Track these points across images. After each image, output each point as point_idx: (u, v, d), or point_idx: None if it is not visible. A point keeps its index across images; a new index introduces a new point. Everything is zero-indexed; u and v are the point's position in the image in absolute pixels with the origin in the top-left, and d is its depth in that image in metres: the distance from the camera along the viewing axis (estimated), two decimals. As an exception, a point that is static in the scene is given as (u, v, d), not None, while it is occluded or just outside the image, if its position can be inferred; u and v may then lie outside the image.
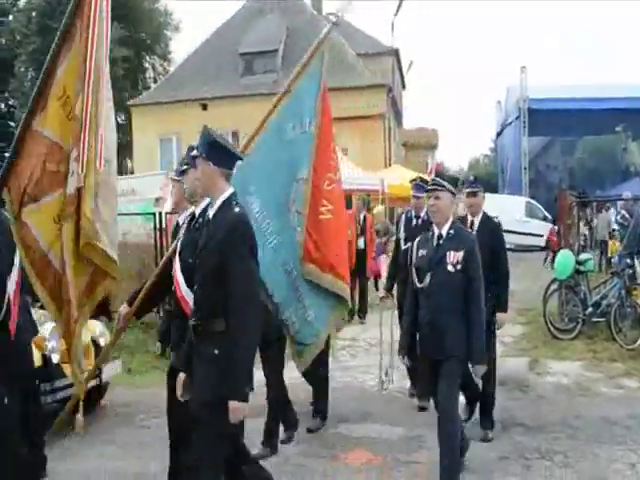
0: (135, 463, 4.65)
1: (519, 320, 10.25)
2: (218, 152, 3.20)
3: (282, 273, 4.03)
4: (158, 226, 9.15)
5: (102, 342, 5.79)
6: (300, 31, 26.79)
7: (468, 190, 5.56)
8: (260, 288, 3.56)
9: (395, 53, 30.34)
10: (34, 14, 34.82)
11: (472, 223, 5.48)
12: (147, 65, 38.83)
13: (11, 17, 38.79)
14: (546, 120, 29.98)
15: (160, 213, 9.40)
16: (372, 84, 24.56)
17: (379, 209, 12.75)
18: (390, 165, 23.07)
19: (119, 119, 36.64)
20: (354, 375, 7.47)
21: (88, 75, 3.85)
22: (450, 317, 4.26)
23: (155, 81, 35.64)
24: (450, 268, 4.27)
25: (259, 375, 4.70)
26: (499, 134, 38.76)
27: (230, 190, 3.23)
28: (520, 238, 22.64)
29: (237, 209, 3.16)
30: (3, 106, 41.13)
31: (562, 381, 7.04)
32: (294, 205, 4.01)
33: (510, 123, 33.71)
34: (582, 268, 9.22)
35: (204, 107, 25.31)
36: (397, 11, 27.44)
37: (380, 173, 17.50)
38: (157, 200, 12.64)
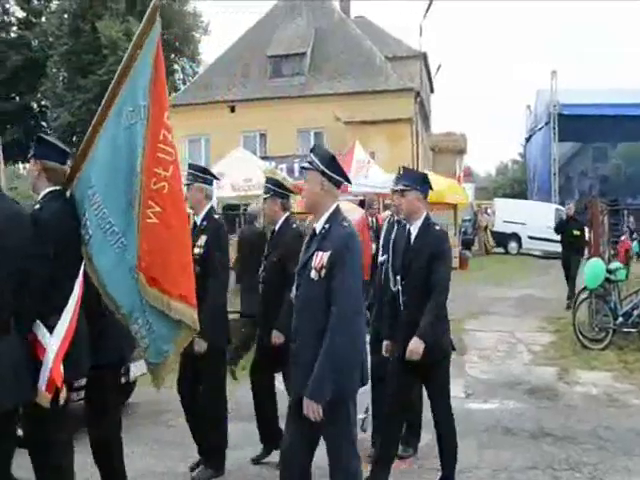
0: (163, 462, 4.68)
1: (548, 329, 10.14)
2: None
3: (130, 280, 3.36)
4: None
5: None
6: (328, 33, 26.86)
7: (393, 187, 4.46)
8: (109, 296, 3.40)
9: (423, 56, 30.21)
10: (66, 16, 35.39)
11: (409, 232, 4.35)
12: (176, 67, 39.20)
13: (44, 19, 39.46)
14: (577, 125, 29.59)
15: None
16: (400, 88, 24.50)
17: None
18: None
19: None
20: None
21: None
22: (313, 343, 3.10)
23: (184, 83, 35.97)
24: (313, 275, 3.15)
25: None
26: (528, 139, 38.38)
27: None
28: (549, 245, 22.38)
29: None
30: (35, 106, 41.84)
31: (592, 392, 6.93)
32: (136, 204, 3.36)
33: (540, 128, 33.35)
34: (613, 277, 9.08)
35: (232, 109, 25.48)
36: (425, 14, 27.32)
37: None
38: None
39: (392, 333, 4.51)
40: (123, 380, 5.41)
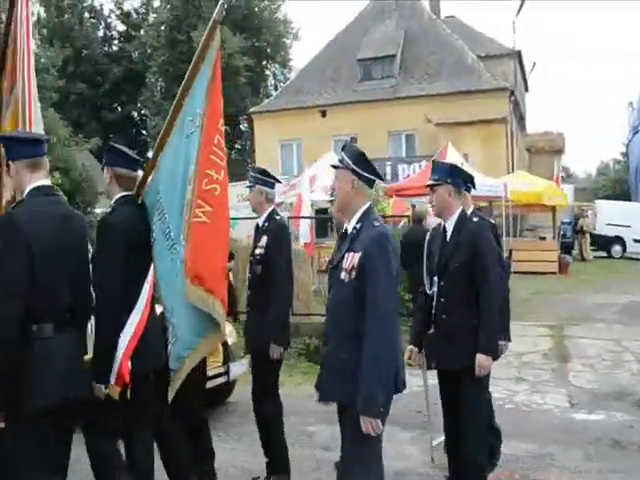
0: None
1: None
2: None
3: (176, 285, 3.43)
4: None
5: (230, 341, 5.97)
6: (418, 35, 26.62)
7: (427, 183, 4.14)
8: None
9: (517, 55, 29.36)
10: (163, 28, 36.91)
11: (444, 230, 4.08)
12: (268, 73, 40.04)
13: (142, 31, 41.32)
14: (685, 122, 27.94)
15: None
16: (493, 87, 23.91)
17: None
18: (513, 171, 22.33)
19: (242, 126, 38.07)
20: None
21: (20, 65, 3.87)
22: (343, 348, 3.00)
23: (276, 88, 36.66)
24: (343, 276, 3.03)
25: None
26: (631, 137, 36.55)
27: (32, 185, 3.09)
28: (653, 248, 21.30)
29: None
30: (136, 115, 43.82)
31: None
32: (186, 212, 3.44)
33: (644, 126, 31.71)
34: None
35: (323, 114, 25.70)
36: (518, 11, 26.54)
37: (503, 179, 16.99)
38: (277, 206, 12.85)
39: (417, 340, 4.24)
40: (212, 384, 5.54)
